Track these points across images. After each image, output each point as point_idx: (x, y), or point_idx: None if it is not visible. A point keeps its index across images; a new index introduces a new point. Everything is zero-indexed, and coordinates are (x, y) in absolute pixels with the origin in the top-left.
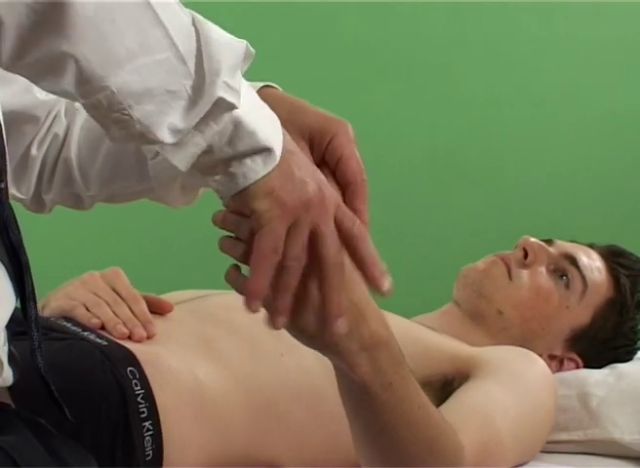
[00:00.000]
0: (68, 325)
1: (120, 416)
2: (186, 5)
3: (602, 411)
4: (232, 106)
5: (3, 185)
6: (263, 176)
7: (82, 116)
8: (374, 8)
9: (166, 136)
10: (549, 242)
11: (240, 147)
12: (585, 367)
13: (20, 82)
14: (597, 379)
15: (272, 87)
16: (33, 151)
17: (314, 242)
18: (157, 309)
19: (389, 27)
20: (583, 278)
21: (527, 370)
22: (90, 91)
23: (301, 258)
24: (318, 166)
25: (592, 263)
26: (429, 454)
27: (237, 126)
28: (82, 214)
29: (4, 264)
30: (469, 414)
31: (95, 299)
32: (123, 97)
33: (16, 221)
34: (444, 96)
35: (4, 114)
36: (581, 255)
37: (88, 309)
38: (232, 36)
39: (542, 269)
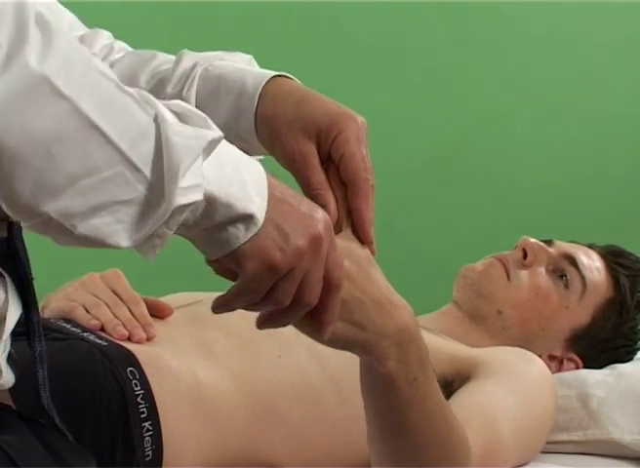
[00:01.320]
0: (68, 326)
1: (120, 417)
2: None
3: (602, 412)
4: (195, 203)
5: None
6: (248, 239)
7: None
8: (374, 9)
9: (122, 242)
10: (549, 242)
11: (218, 218)
12: (585, 367)
13: None
14: (597, 380)
15: (285, 76)
16: None
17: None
18: (157, 312)
19: (389, 29)
20: (583, 278)
21: (527, 371)
22: (26, 218)
23: (289, 299)
24: (324, 162)
25: (592, 263)
26: (443, 453)
27: (210, 202)
28: None
29: (8, 274)
30: (471, 416)
31: (94, 301)
32: (64, 219)
33: (20, 230)
34: (444, 96)
35: None
36: (581, 256)
37: (87, 310)
38: (201, 119)
39: (542, 269)
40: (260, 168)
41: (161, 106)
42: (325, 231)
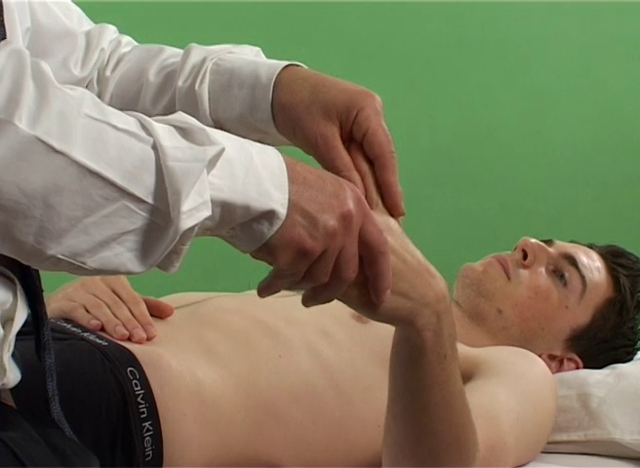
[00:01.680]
0: (68, 326)
1: (120, 417)
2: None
3: (602, 412)
4: (201, 222)
5: None
6: (275, 232)
7: (112, 84)
8: (374, 7)
9: (136, 268)
10: (549, 242)
11: (238, 220)
12: (585, 367)
13: (56, 56)
14: (597, 380)
15: (296, 65)
16: None
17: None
18: (157, 312)
19: (389, 27)
20: (583, 278)
21: (528, 371)
22: (35, 263)
23: (327, 277)
24: (345, 143)
25: (592, 263)
26: (455, 443)
27: (226, 208)
28: None
29: (15, 275)
30: (475, 416)
31: (95, 301)
32: (72, 258)
33: None
34: (444, 96)
35: None
36: (581, 256)
37: (88, 310)
38: (202, 133)
39: (542, 269)
40: (278, 157)
41: (159, 129)
42: (355, 205)
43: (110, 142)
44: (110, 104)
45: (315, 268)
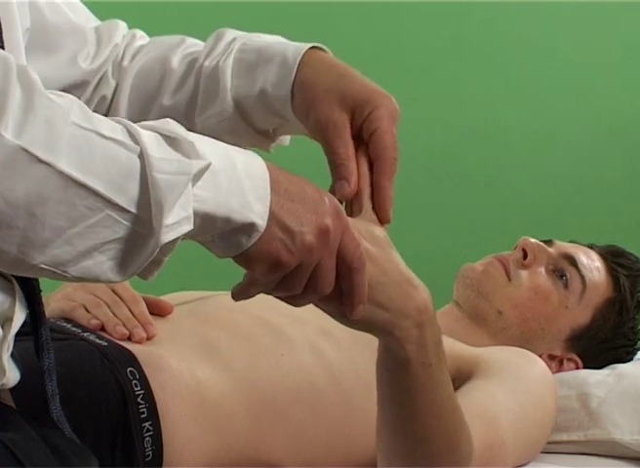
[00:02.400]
0: (68, 326)
1: (120, 417)
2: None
3: (602, 412)
4: (184, 234)
5: None
6: (254, 243)
7: (132, 74)
8: (373, 8)
9: (115, 277)
10: (549, 242)
11: (217, 230)
12: (585, 367)
13: (64, 51)
14: (597, 380)
15: (322, 48)
16: None
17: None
18: (157, 310)
19: (388, 27)
20: (583, 278)
21: (528, 371)
22: (17, 272)
23: (301, 288)
24: (353, 138)
25: (592, 263)
26: (448, 447)
27: (206, 218)
28: None
29: (15, 279)
30: (473, 416)
31: (94, 300)
32: (55, 267)
33: None
34: (443, 96)
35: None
36: (581, 256)
37: (87, 310)
38: (188, 145)
39: (542, 269)
40: (262, 166)
41: (146, 137)
42: (333, 220)
43: (97, 151)
44: (130, 96)
45: (289, 280)
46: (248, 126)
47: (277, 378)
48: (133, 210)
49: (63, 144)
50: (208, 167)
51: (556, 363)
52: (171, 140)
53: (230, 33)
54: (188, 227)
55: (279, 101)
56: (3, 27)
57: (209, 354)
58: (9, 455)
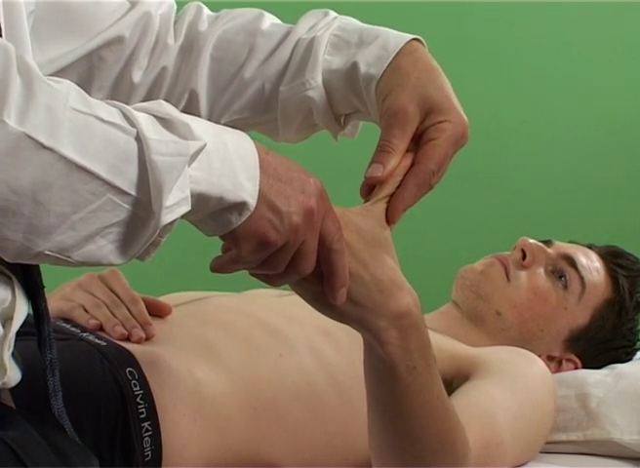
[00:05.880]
0: (67, 326)
1: (119, 417)
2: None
3: (601, 412)
4: (182, 214)
5: None
6: (242, 222)
7: (210, 44)
8: (375, 8)
9: (117, 260)
10: (548, 243)
11: (210, 209)
12: (584, 367)
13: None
14: (596, 380)
15: (419, 40)
16: (136, 78)
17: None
18: (156, 311)
19: (389, 27)
20: (582, 279)
21: (526, 371)
22: (21, 260)
23: (283, 267)
24: (412, 139)
25: (591, 264)
26: (440, 447)
27: (200, 198)
28: None
29: (16, 276)
30: (471, 416)
31: (93, 300)
32: (59, 253)
33: None
34: None
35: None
36: (580, 256)
37: (86, 310)
38: (183, 126)
39: (541, 270)
40: (252, 147)
41: (142, 119)
42: (317, 201)
43: (96, 135)
44: (210, 67)
45: (273, 258)
46: (327, 103)
47: (276, 378)
48: (133, 192)
49: (65, 129)
50: (204, 147)
51: (555, 363)
52: (165, 122)
53: (333, 13)
54: (186, 208)
55: (366, 80)
56: (2, 8)
57: (208, 354)
58: (11, 455)
